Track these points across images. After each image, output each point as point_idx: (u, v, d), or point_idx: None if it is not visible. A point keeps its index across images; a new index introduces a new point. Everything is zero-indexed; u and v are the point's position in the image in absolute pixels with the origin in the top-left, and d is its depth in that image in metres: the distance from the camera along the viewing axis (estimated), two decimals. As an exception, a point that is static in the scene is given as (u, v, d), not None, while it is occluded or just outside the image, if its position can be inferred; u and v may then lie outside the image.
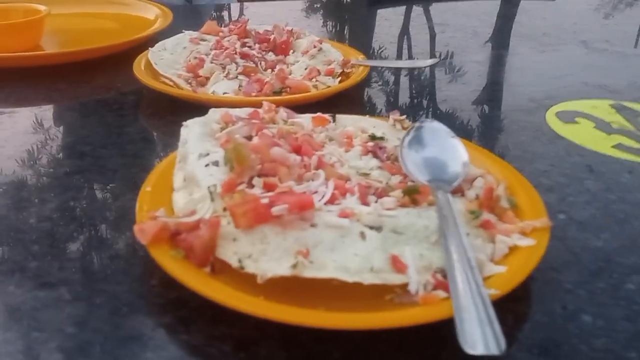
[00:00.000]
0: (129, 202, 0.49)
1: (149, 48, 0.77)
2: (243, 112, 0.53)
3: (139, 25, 0.95)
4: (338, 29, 1.13)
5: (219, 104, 0.57)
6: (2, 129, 0.64)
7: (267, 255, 0.36)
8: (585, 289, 0.41)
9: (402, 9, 1.23)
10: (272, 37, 0.80)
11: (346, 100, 0.72)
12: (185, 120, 0.51)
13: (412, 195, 0.43)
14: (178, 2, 1.21)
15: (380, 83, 0.82)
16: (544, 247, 0.40)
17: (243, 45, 0.78)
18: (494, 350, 0.30)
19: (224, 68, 0.73)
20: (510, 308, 0.38)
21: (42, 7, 0.88)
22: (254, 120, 0.51)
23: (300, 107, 0.57)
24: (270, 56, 0.77)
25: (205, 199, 0.41)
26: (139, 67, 0.73)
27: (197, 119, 0.52)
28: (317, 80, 0.71)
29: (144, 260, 0.42)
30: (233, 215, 0.38)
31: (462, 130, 0.67)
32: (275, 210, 0.37)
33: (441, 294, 0.36)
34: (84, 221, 0.47)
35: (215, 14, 1.24)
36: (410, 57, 0.96)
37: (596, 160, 0.60)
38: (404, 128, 0.55)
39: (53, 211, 0.48)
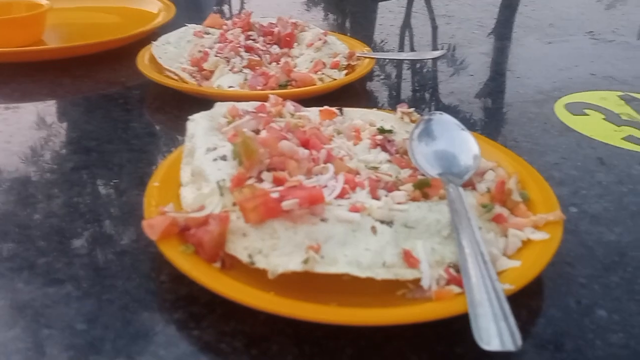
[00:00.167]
0: (136, 198, 0.49)
1: (153, 42, 0.76)
2: (250, 105, 0.52)
3: (142, 18, 0.94)
4: (339, 21, 1.12)
5: (224, 98, 0.56)
6: (7, 124, 0.63)
7: (278, 251, 0.36)
8: (599, 283, 0.41)
9: (404, 0, 1.22)
10: (276, 30, 0.79)
11: (351, 93, 0.71)
12: (191, 114, 0.51)
13: (423, 189, 0.42)
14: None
15: (384, 76, 0.81)
16: (558, 241, 0.39)
17: (247, 38, 0.77)
18: (509, 346, 0.30)
19: (228, 61, 0.72)
20: (524, 303, 0.38)
21: (44, 1, 0.88)
22: (261, 114, 0.50)
23: (306, 101, 0.56)
24: (275, 49, 0.77)
25: (214, 194, 0.40)
26: (142, 61, 0.72)
27: (203, 113, 0.51)
28: (322, 73, 0.71)
29: (153, 256, 0.41)
30: (243, 210, 0.37)
31: (470, 123, 0.66)
32: (285, 204, 0.37)
33: (455, 288, 0.35)
34: (91, 217, 0.47)
35: (216, 8, 1.23)
36: (412, 49, 0.95)
37: (607, 152, 0.59)
38: (412, 121, 0.54)
39: (60, 207, 0.48)
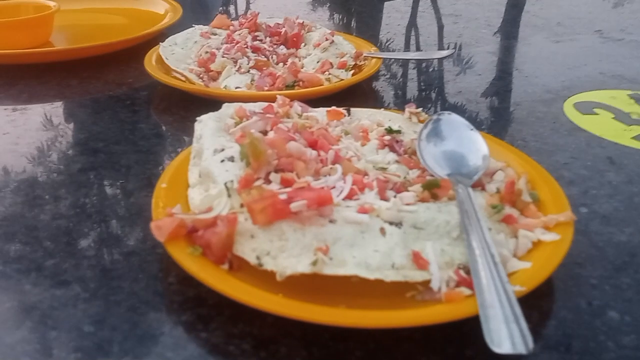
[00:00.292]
0: (143, 199, 0.49)
1: (160, 43, 0.76)
2: (257, 106, 0.52)
3: (149, 20, 0.94)
4: (345, 21, 1.12)
5: (232, 99, 0.56)
6: (15, 126, 0.63)
7: (286, 252, 0.36)
8: (610, 285, 0.40)
9: (411, 0, 1.22)
10: (283, 30, 0.79)
11: (359, 93, 0.71)
12: (198, 115, 0.51)
13: (432, 190, 0.42)
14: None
15: (391, 76, 0.80)
16: (568, 242, 0.39)
17: (254, 39, 0.77)
18: (521, 349, 0.30)
19: (235, 62, 0.72)
20: (535, 304, 0.37)
21: (52, 3, 0.88)
22: (268, 115, 0.50)
23: (313, 101, 0.56)
24: (282, 49, 0.77)
25: (222, 195, 0.40)
26: (150, 62, 0.72)
27: (210, 114, 0.51)
28: (329, 74, 0.70)
29: (160, 257, 0.41)
30: (251, 211, 0.37)
31: (478, 122, 0.66)
32: (293, 206, 0.37)
33: (465, 290, 0.35)
34: (98, 218, 0.47)
35: (222, 8, 1.23)
36: (418, 48, 0.95)
37: (617, 152, 0.59)
38: (420, 121, 0.54)
39: (67, 208, 0.48)
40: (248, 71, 0.71)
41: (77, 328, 0.35)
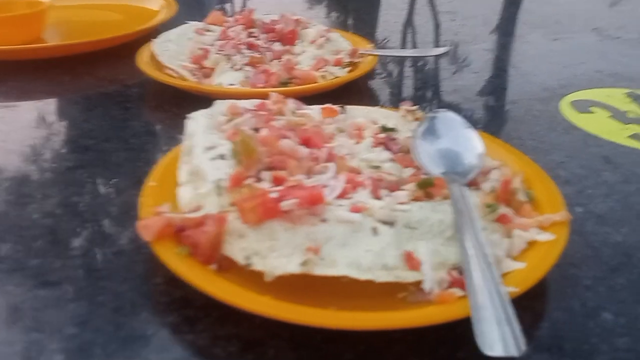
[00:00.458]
0: (133, 197, 0.47)
1: (153, 39, 0.75)
2: (250, 103, 0.51)
3: (143, 16, 0.93)
4: (342, 18, 1.11)
5: (225, 96, 0.55)
6: (4, 122, 0.63)
7: (276, 252, 0.35)
8: (605, 286, 0.40)
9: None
10: (278, 27, 0.78)
11: (354, 91, 0.70)
12: (190, 113, 0.50)
13: (426, 189, 0.41)
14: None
15: (387, 74, 0.80)
16: (563, 242, 0.38)
17: (249, 35, 0.77)
18: (513, 352, 0.29)
19: (229, 59, 0.71)
20: (528, 305, 0.36)
21: (44, -1, 0.87)
22: (261, 112, 0.49)
23: (308, 98, 0.55)
24: (277, 46, 0.76)
25: (212, 194, 0.39)
26: (142, 59, 0.71)
27: (202, 111, 0.50)
28: (325, 71, 0.70)
29: (148, 257, 0.40)
30: (240, 210, 0.36)
31: (474, 120, 0.65)
32: (284, 205, 0.36)
33: (457, 291, 0.34)
34: (86, 217, 0.46)
35: (219, 6, 1.22)
36: (415, 46, 0.94)
37: (613, 151, 0.58)
38: (415, 119, 0.53)
39: (55, 207, 0.47)
40: (242, 68, 0.70)
41: (60, 330, 0.35)
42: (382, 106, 0.57)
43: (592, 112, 0.67)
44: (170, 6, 0.97)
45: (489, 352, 0.29)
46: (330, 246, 0.35)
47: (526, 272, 0.36)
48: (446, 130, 0.49)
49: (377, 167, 0.45)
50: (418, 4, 1.17)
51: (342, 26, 1.01)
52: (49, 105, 0.67)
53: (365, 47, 0.77)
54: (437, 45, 0.93)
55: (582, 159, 0.56)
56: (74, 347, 0.33)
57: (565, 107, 0.68)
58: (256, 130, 0.46)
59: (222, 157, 0.43)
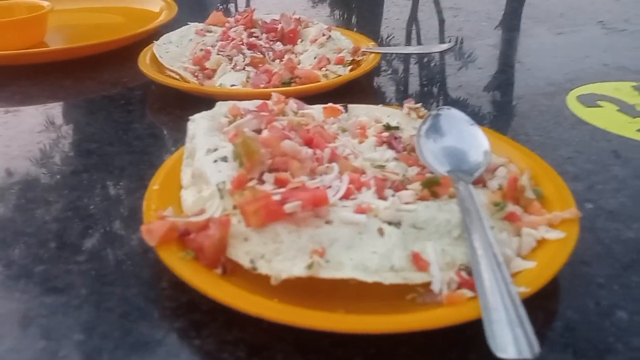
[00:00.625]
0: (137, 201, 0.47)
1: (154, 41, 0.75)
2: (251, 104, 0.51)
3: (143, 18, 0.93)
4: (345, 17, 1.10)
5: (227, 97, 0.55)
6: (7, 127, 0.62)
7: (281, 255, 0.34)
8: (619, 283, 0.39)
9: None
10: (279, 26, 0.78)
11: (357, 90, 0.69)
12: (193, 114, 0.50)
13: (432, 188, 0.40)
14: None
15: (391, 71, 0.79)
16: (574, 240, 0.37)
17: (250, 35, 0.76)
18: (526, 354, 0.28)
19: (230, 59, 0.71)
20: (540, 305, 0.36)
21: (45, 3, 0.87)
22: (263, 113, 0.49)
23: (311, 98, 0.55)
24: (278, 46, 0.75)
25: (215, 197, 0.39)
26: (144, 61, 0.71)
27: (204, 113, 0.50)
28: (327, 70, 0.69)
29: (153, 261, 0.40)
30: (244, 213, 0.36)
31: (479, 117, 0.64)
32: (288, 207, 0.35)
33: (467, 292, 0.33)
34: (91, 222, 0.46)
35: (222, 7, 1.21)
36: (419, 43, 0.93)
37: (622, 145, 0.57)
38: (419, 117, 0.52)
39: (59, 212, 0.47)
40: (244, 68, 0.69)
41: (67, 336, 0.34)
42: (385, 104, 0.56)
43: (599, 106, 0.66)
44: (170, 8, 0.97)
45: (502, 355, 0.28)
46: (335, 248, 0.35)
47: (537, 272, 0.35)
48: (450, 128, 0.48)
49: (381, 167, 0.45)
50: (420, 0, 1.16)
51: (346, 24, 1.00)
52: (51, 110, 0.67)
53: (367, 45, 0.77)
54: (441, 42, 0.92)
55: (590, 154, 0.56)
56: (82, 353, 0.33)
57: (572, 102, 0.67)
58: (258, 131, 0.46)
59: (224, 159, 0.43)
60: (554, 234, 0.38)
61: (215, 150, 0.44)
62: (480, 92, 0.71)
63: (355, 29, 0.87)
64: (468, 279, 0.34)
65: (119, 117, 0.64)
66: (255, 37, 0.76)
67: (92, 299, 0.37)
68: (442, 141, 0.46)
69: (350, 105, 0.54)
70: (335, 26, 0.80)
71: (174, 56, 0.73)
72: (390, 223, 0.37)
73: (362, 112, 0.53)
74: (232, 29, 0.77)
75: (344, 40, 0.76)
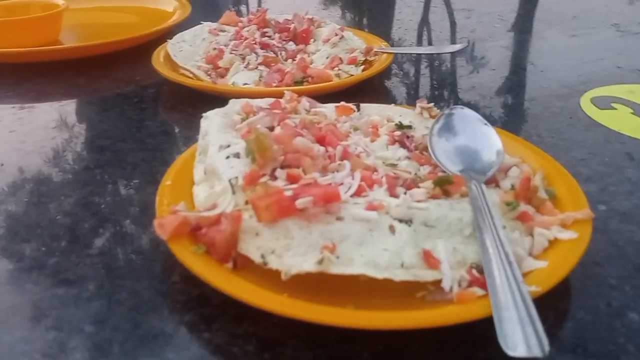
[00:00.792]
0: (149, 197, 0.47)
1: (168, 40, 0.75)
2: (264, 102, 0.51)
3: (157, 17, 0.94)
4: (357, 18, 1.11)
5: (239, 95, 0.55)
6: (22, 124, 0.63)
7: (292, 251, 0.35)
8: (630, 285, 0.38)
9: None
10: (292, 26, 0.78)
11: (369, 89, 0.69)
12: (205, 113, 0.50)
13: (444, 186, 0.40)
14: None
15: (403, 72, 0.79)
16: (586, 241, 0.37)
17: (263, 35, 0.76)
18: (536, 352, 0.28)
19: (243, 59, 0.71)
20: (551, 305, 0.36)
21: (60, 2, 0.88)
22: (275, 111, 0.49)
23: (323, 97, 0.55)
24: (291, 45, 0.75)
25: (227, 192, 0.39)
26: (158, 60, 0.71)
27: (217, 110, 0.50)
28: (339, 69, 0.69)
29: (164, 255, 0.40)
30: (255, 208, 0.36)
31: (492, 118, 0.64)
32: (299, 203, 0.35)
33: (477, 291, 0.33)
34: (103, 216, 0.46)
35: (234, 7, 1.22)
36: (430, 44, 0.93)
37: (636, 147, 0.57)
38: (431, 116, 0.52)
39: (72, 206, 0.47)
40: (256, 67, 0.70)
41: (78, 328, 0.35)
42: (397, 104, 0.56)
43: (613, 109, 0.66)
44: (184, 7, 0.97)
45: (511, 353, 0.28)
46: (346, 245, 0.35)
47: (548, 271, 0.35)
48: (463, 127, 0.48)
49: (393, 165, 0.45)
50: (433, 1, 1.16)
51: (357, 25, 1.00)
52: (65, 107, 0.68)
53: (379, 45, 0.77)
54: (453, 43, 0.92)
55: (604, 156, 0.55)
56: (93, 345, 0.33)
57: (586, 104, 0.67)
58: (270, 128, 0.46)
59: (236, 155, 0.43)
60: (566, 234, 0.38)
61: (228, 146, 0.44)
62: (492, 94, 0.71)
63: (366, 30, 0.87)
64: (479, 277, 0.34)
65: (132, 115, 0.65)
66: (268, 36, 0.76)
67: (103, 291, 0.38)
68: (454, 140, 0.46)
69: (362, 105, 0.54)
70: (345, 26, 0.80)
71: (187, 55, 0.73)
72: (401, 220, 0.37)
73: (374, 111, 0.53)
74: (245, 29, 0.77)
75: (357, 41, 0.77)
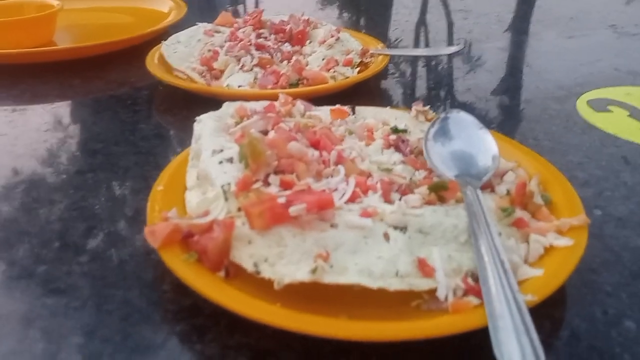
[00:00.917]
0: (141, 202, 0.47)
1: (163, 41, 0.75)
2: (258, 105, 0.51)
3: (152, 18, 0.93)
4: (354, 18, 1.10)
5: (234, 97, 0.54)
6: (14, 126, 0.62)
7: (285, 259, 0.34)
8: (627, 292, 0.38)
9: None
10: (288, 27, 0.77)
11: (365, 92, 0.69)
12: (200, 115, 0.49)
13: (439, 192, 0.40)
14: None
15: (399, 74, 0.79)
16: (582, 248, 0.37)
17: (258, 36, 0.76)
18: (532, 363, 0.28)
19: (238, 60, 0.70)
20: (547, 313, 0.35)
21: (54, 2, 0.87)
22: (269, 114, 0.48)
23: (318, 99, 0.54)
24: (287, 47, 0.75)
25: (219, 199, 0.38)
26: (152, 61, 0.71)
27: (210, 114, 0.50)
28: (335, 71, 0.69)
29: (156, 263, 0.40)
30: (248, 215, 0.36)
31: (488, 120, 0.64)
32: (293, 210, 0.35)
33: (473, 300, 0.33)
34: (94, 222, 0.45)
35: (230, 7, 1.21)
36: (427, 45, 0.93)
37: (632, 151, 0.57)
38: (427, 119, 0.52)
39: (63, 211, 0.47)
40: (252, 69, 0.69)
41: (67, 339, 0.34)
42: (393, 107, 0.55)
43: (610, 111, 0.65)
44: (179, 8, 0.97)
45: (506, 364, 0.28)
46: (340, 253, 0.34)
47: (544, 280, 0.34)
48: (459, 132, 0.47)
49: (388, 170, 0.44)
50: (430, 2, 1.16)
51: (354, 26, 1.00)
52: (57, 109, 0.67)
53: (376, 46, 0.76)
54: (450, 44, 0.91)
55: (600, 160, 0.55)
56: (82, 357, 0.33)
57: (582, 106, 0.66)
58: (264, 132, 0.46)
59: (230, 160, 0.42)
60: (562, 241, 0.37)
61: (221, 151, 0.43)
62: (489, 96, 0.70)
63: (363, 31, 0.86)
64: (474, 285, 0.34)
65: (125, 117, 0.64)
66: (263, 38, 0.76)
67: (93, 301, 0.37)
68: (450, 145, 0.46)
69: (357, 108, 0.53)
70: (342, 27, 0.79)
71: (182, 56, 0.73)
72: (396, 227, 0.36)
73: (369, 115, 0.53)
74: (241, 30, 0.77)
75: (353, 42, 0.76)
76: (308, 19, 0.79)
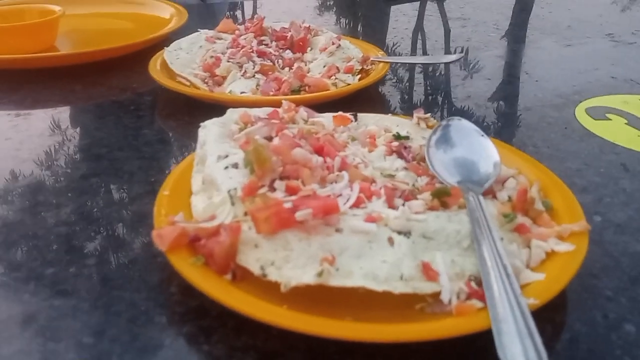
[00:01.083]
0: (146, 206, 0.48)
1: (165, 48, 0.75)
2: (262, 111, 0.51)
3: (154, 24, 0.94)
4: (352, 25, 1.11)
5: (237, 104, 0.55)
6: (18, 131, 0.63)
7: (291, 263, 0.35)
8: (627, 297, 0.39)
9: (417, 3, 1.21)
10: (289, 34, 0.78)
11: (366, 98, 0.70)
12: (202, 121, 0.50)
13: (442, 198, 0.41)
14: (192, 0, 1.20)
15: (398, 81, 0.79)
16: (583, 253, 0.37)
17: (260, 43, 0.77)
18: (535, 366, 0.28)
19: (240, 67, 0.71)
20: (548, 317, 0.36)
21: (56, 8, 0.87)
22: (273, 120, 0.49)
23: (319, 106, 0.55)
24: (288, 54, 0.76)
25: (225, 203, 0.39)
26: (154, 67, 0.71)
27: (214, 120, 0.50)
28: (336, 78, 0.69)
29: (163, 266, 0.40)
30: (255, 220, 0.36)
31: (487, 128, 0.64)
32: (298, 215, 0.35)
33: (476, 303, 0.34)
34: (100, 226, 0.46)
35: (229, 13, 1.22)
36: (425, 52, 0.94)
37: (631, 158, 0.57)
38: (429, 127, 0.53)
39: (69, 215, 0.47)
40: (253, 76, 0.70)
41: (76, 339, 0.34)
42: (394, 113, 0.56)
43: (608, 119, 0.66)
44: (181, 14, 0.97)
45: (510, 366, 0.28)
46: (345, 257, 0.35)
47: (546, 284, 0.35)
48: (460, 139, 0.48)
49: (390, 176, 0.45)
50: (429, 10, 1.17)
51: (352, 33, 1.01)
52: (61, 114, 0.67)
53: (376, 54, 0.77)
54: (448, 52, 0.92)
55: (599, 167, 0.56)
56: (90, 357, 0.33)
57: (581, 114, 0.67)
58: (268, 138, 0.46)
59: (235, 166, 0.43)
60: (563, 247, 0.38)
61: (226, 157, 0.44)
62: (487, 103, 0.71)
63: (361, 38, 0.87)
64: (477, 289, 0.34)
65: (128, 123, 0.65)
66: (265, 44, 0.76)
67: (100, 302, 0.38)
68: (452, 152, 0.47)
69: (360, 114, 0.54)
70: (342, 35, 0.80)
71: (184, 62, 0.73)
72: (400, 232, 0.37)
73: (371, 121, 0.53)
74: (242, 37, 0.77)
75: (353, 49, 0.77)
76: (309, 27, 0.80)
